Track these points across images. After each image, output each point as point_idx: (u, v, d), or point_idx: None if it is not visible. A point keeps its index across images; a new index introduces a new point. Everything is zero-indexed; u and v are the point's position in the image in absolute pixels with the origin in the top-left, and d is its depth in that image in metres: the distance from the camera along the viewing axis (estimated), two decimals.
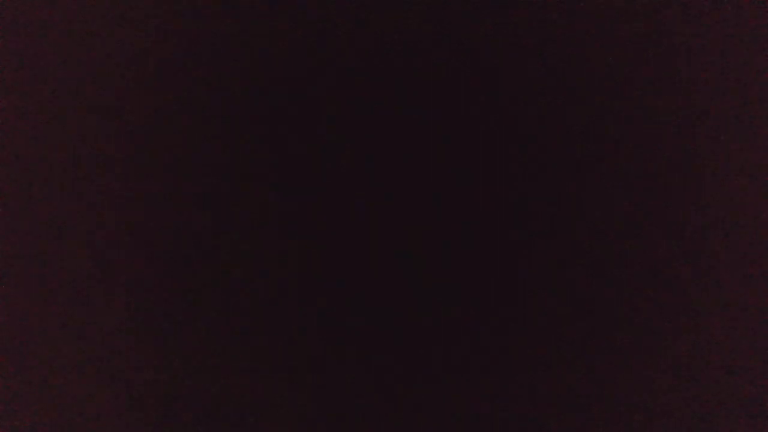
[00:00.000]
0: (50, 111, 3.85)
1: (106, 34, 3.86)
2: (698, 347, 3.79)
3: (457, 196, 3.85)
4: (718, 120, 3.86)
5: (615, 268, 3.82)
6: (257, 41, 3.87)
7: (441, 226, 3.84)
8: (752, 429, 3.75)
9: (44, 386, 3.78)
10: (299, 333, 3.82)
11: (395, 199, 3.84)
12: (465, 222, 3.84)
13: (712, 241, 3.83)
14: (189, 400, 3.78)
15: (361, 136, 3.84)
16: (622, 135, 3.86)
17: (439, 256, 3.83)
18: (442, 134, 3.86)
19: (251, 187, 3.84)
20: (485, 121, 3.87)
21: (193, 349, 3.80)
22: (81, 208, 3.84)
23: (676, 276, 3.82)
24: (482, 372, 3.78)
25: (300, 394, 3.81)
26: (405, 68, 3.87)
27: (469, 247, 3.83)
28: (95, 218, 3.83)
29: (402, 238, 3.84)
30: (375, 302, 3.82)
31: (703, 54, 3.88)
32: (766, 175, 3.83)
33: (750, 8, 3.83)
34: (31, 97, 3.85)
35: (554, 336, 3.79)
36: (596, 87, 3.87)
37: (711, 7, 3.86)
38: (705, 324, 3.80)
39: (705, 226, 3.83)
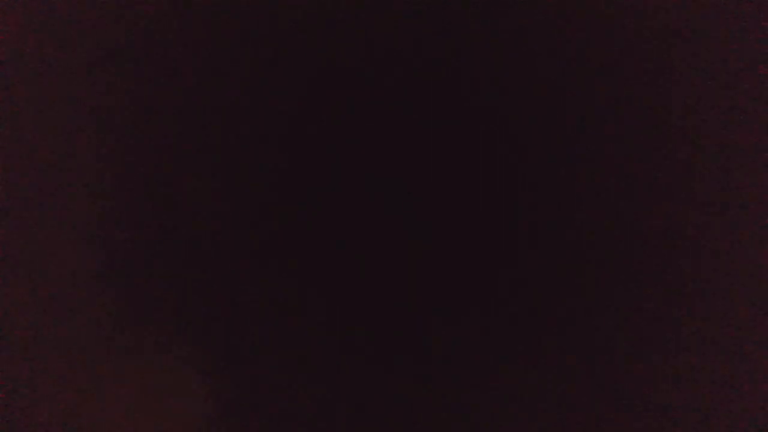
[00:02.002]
0: (50, 111, 3.86)
1: (108, 35, 3.87)
2: (698, 347, 3.79)
3: (457, 197, 3.86)
4: (718, 120, 3.86)
5: (614, 268, 3.82)
6: (258, 42, 3.88)
7: (441, 227, 3.85)
8: (752, 428, 3.76)
9: (44, 386, 3.79)
10: (299, 333, 3.83)
11: (393, 200, 3.85)
12: (465, 222, 3.84)
13: (711, 241, 3.83)
14: (190, 400, 3.79)
15: (362, 137, 3.85)
16: (620, 135, 3.87)
17: (440, 257, 3.84)
18: (441, 134, 3.87)
19: (252, 188, 3.85)
20: (484, 122, 3.88)
21: (194, 348, 3.81)
22: (81, 208, 3.84)
23: (675, 276, 3.82)
24: (483, 372, 3.79)
25: (298, 394, 3.81)
26: (403, 69, 3.88)
27: (469, 248, 3.84)
28: (96, 218, 3.84)
29: (402, 237, 3.84)
30: (374, 303, 3.82)
31: (703, 54, 3.88)
32: (765, 175, 3.84)
33: (749, 9, 3.84)
34: (30, 98, 3.86)
35: (554, 336, 3.80)
36: (595, 87, 3.88)
37: (710, 8, 3.86)
38: (704, 324, 3.80)
39: (704, 226, 3.84)
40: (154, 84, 3.89)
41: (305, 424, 3.80)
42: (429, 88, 3.89)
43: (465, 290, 3.84)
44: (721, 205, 3.84)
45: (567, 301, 3.83)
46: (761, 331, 3.79)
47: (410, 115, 3.88)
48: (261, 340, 3.84)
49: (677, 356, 3.80)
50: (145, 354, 3.81)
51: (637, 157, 3.87)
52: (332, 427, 3.79)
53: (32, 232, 3.85)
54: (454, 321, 3.82)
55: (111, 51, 3.88)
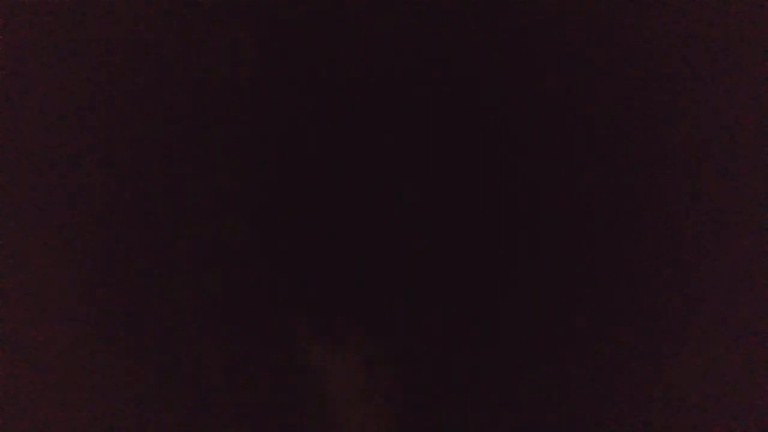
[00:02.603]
0: (50, 111, 3.86)
1: (107, 34, 3.87)
2: (699, 348, 3.79)
3: (457, 197, 3.85)
4: (719, 120, 3.86)
5: (615, 268, 3.82)
6: (258, 42, 3.88)
7: (441, 227, 3.84)
8: (752, 428, 3.75)
9: (44, 386, 3.78)
10: (296, 333, 3.82)
11: (393, 200, 3.84)
12: (465, 222, 3.84)
13: (712, 242, 3.83)
14: (189, 399, 3.78)
15: (362, 137, 3.84)
16: (621, 135, 3.87)
17: (440, 257, 3.83)
18: (441, 134, 3.87)
19: (251, 188, 3.84)
20: (484, 122, 3.87)
21: (194, 348, 3.80)
22: (80, 207, 3.84)
23: (676, 277, 3.82)
24: (483, 372, 3.78)
25: (297, 395, 3.81)
26: (403, 69, 3.88)
27: (469, 248, 3.83)
28: (95, 218, 3.84)
29: (402, 238, 3.84)
30: (374, 303, 3.82)
31: (703, 54, 3.88)
32: (763, 175, 3.84)
33: (750, 8, 3.84)
34: (31, 98, 3.85)
35: (554, 337, 3.79)
36: (595, 87, 3.87)
37: (710, 7, 3.86)
38: (705, 324, 3.80)
39: (705, 226, 3.83)
40: (153, 84, 3.89)
41: (304, 424, 3.79)
42: (429, 88, 3.89)
43: (465, 290, 3.83)
44: (722, 205, 3.84)
45: (567, 301, 3.82)
46: (762, 332, 3.79)
47: (410, 115, 3.88)
48: (260, 340, 3.83)
49: (678, 357, 3.79)
50: (143, 355, 3.81)
51: (638, 157, 3.87)
52: (331, 427, 3.79)
53: (31, 233, 3.84)
54: (454, 321, 3.81)
55: (111, 51, 3.88)
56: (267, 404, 3.80)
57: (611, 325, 3.81)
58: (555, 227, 3.84)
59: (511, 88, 3.88)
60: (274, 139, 3.87)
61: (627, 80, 3.89)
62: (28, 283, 3.83)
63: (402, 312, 3.82)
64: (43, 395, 3.79)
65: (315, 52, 3.88)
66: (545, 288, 3.82)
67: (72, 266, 3.84)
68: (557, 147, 3.86)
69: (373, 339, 3.81)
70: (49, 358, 3.81)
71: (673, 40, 3.89)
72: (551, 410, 3.77)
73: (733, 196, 3.85)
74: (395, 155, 3.87)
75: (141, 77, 3.89)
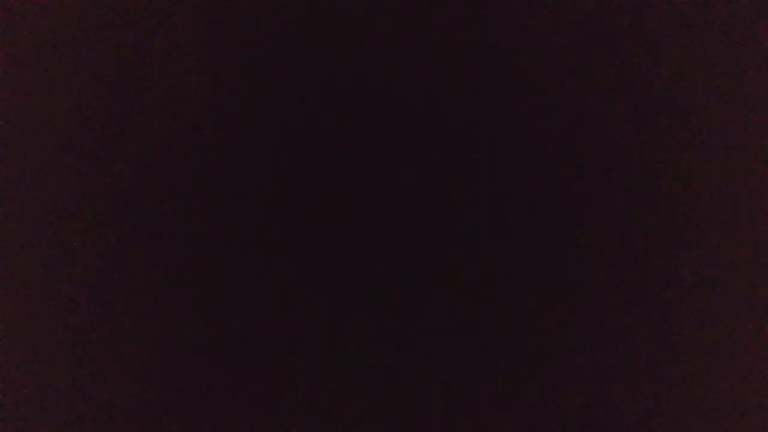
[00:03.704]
0: (50, 111, 3.86)
1: (108, 34, 3.86)
2: (695, 348, 3.79)
3: (456, 198, 3.85)
4: (715, 120, 3.86)
5: (615, 269, 3.82)
6: (257, 42, 3.87)
7: (440, 228, 3.84)
8: (752, 429, 3.75)
9: (43, 386, 3.79)
10: (297, 333, 3.83)
11: (392, 201, 3.84)
12: (464, 223, 3.84)
13: (709, 242, 3.83)
14: (188, 400, 3.78)
15: (361, 137, 3.84)
16: (616, 136, 3.86)
17: (439, 258, 3.83)
18: (441, 135, 3.86)
19: (250, 189, 3.84)
20: (484, 122, 3.87)
21: (193, 349, 3.81)
22: (80, 207, 3.84)
23: (676, 278, 3.82)
24: (482, 373, 3.79)
25: (296, 394, 3.81)
26: (403, 69, 3.87)
27: (469, 249, 3.83)
28: (94, 218, 3.84)
29: (400, 238, 3.84)
30: (373, 304, 3.82)
31: (700, 54, 3.87)
32: (762, 175, 3.84)
33: (748, 9, 3.83)
34: (31, 97, 3.85)
35: (554, 339, 3.79)
36: (596, 88, 3.87)
37: (708, 7, 3.86)
38: (705, 326, 3.80)
39: (702, 226, 3.83)
40: (153, 84, 3.88)
41: (303, 424, 3.80)
42: (428, 89, 3.89)
43: (466, 291, 3.83)
44: (723, 206, 3.84)
45: (567, 302, 3.82)
46: (761, 333, 3.79)
47: (409, 115, 3.88)
48: (260, 341, 3.83)
49: (677, 359, 3.80)
50: (143, 355, 3.81)
51: (638, 157, 3.87)
52: (331, 427, 3.79)
53: (31, 233, 3.84)
54: (454, 321, 3.82)
55: (109, 50, 3.87)
56: (267, 404, 3.81)
57: (611, 325, 3.82)
58: (555, 228, 3.84)
59: (511, 88, 3.87)
60: (274, 138, 3.86)
61: (627, 80, 3.89)
62: (27, 283, 3.83)
63: (402, 313, 3.83)
64: (42, 395, 3.80)
65: (315, 52, 3.88)
66: (545, 288, 3.82)
67: (71, 266, 3.84)
68: (557, 147, 3.86)
69: (373, 340, 3.81)
70: (49, 358, 3.81)
71: (674, 40, 3.88)
72: (551, 411, 3.78)
73: (734, 195, 3.85)
74: (395, 155, 3.86)
75: (140, 77, 3.88)
